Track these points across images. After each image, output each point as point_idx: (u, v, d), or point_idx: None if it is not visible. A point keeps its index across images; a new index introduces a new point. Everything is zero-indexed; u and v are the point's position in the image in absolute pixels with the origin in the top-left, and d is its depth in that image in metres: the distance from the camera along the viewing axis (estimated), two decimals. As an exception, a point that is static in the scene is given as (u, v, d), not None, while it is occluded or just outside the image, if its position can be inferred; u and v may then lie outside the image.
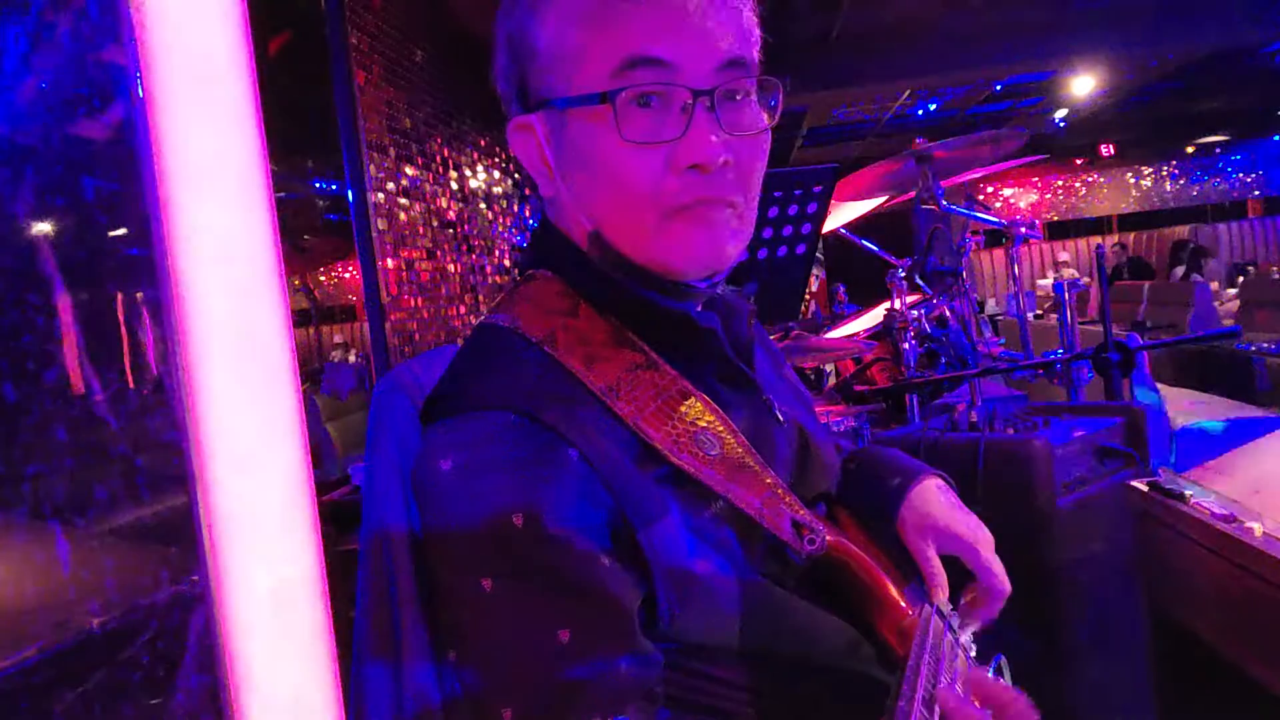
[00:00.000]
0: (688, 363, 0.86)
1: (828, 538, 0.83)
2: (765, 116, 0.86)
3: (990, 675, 0.88)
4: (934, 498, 0.98)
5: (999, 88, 9.48)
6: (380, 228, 2.97)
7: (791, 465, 0.93)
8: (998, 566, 0.97)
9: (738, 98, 0.84)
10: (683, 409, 0.82)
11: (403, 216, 3.21)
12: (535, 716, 0.73)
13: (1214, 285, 8.82)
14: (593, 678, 0.74)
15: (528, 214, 4.42)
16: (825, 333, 3.21)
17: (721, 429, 0.83)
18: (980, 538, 0.96)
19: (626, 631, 0.76)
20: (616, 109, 0.78)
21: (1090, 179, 14.58)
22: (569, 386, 0.81)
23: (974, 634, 0.96)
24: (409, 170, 3.30)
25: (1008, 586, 0.96)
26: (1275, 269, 10.24)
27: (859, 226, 3.29)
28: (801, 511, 0.84)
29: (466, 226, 3.89)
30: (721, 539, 0.81)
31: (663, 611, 0.78)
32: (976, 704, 0.70)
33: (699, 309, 0.90)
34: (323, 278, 13.65)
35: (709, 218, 0.82)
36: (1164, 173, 14.56)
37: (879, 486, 1.01)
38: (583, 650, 0.74)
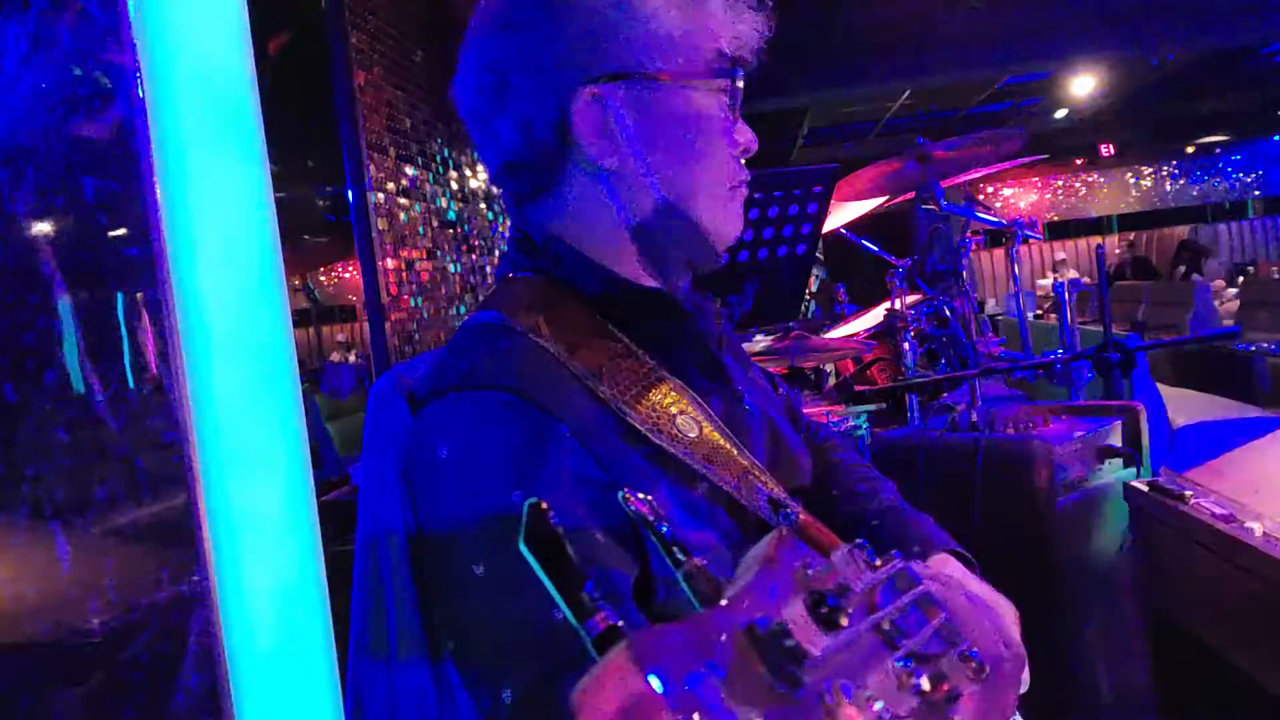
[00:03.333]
0: (665, 352, 0.90)
1: (801, 515, 0.84)
2: None
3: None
4: (953, 569, 0.96)
5: (999, 88, 9.49)
6: (380, 228, 2.97)
7: (765, 454, 0.95)
8: (1018, 641, 0.88)
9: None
10: (660, 394, 0.86)
11: (403, 216, 3.21)
12: (533, 695, 0.74)
13: (1215, 285, 8.82)
14: (587, 656, 0.74)
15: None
16: (825, 333, 3.21)
17: (697, 413, 0.87)
18: (1004, 609, 0.92)
19: (621, 609, 0.76)
20: (720, 93, 0.90)
21: (1090, 179, 14.57)
22: (554, 369, 0.83)
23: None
24: (409, 170, 3.30)
25: (1026, 674, 0.90)
26: (1275, 269, 10.24)
27: (859, 226, 3.29)
28: (776, 489, 0.88)
29: (466, 226, 3.89)
30: (714, 516, 0.84)
31: (659, 587, 0.78)
32: None
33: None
34: (323, 278, 13.65)
35: (742, 197, 0.96)
36: (1164, 173, 14.55)
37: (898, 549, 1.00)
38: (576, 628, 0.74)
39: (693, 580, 0.43)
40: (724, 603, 0.40)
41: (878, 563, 0.46)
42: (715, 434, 0.86)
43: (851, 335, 3.06)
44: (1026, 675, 0.87)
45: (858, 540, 0.45)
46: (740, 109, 0.93)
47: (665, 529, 0.46)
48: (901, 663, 0.41)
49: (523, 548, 0.42)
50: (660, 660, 0.34)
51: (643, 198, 0.91)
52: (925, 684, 0.41)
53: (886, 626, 0.45)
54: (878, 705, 0.37)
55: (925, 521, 1.03)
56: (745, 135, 0.93)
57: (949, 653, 0.46)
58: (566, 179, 0.91)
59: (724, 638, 0.37)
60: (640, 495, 0.48)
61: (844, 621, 0.40)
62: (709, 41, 0.89)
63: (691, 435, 0.84)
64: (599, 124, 0.89)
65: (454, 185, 3.78)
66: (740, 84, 0.91)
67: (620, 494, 0.48)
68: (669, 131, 0.89)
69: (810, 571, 0.43)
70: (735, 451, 0.87)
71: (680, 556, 0.44)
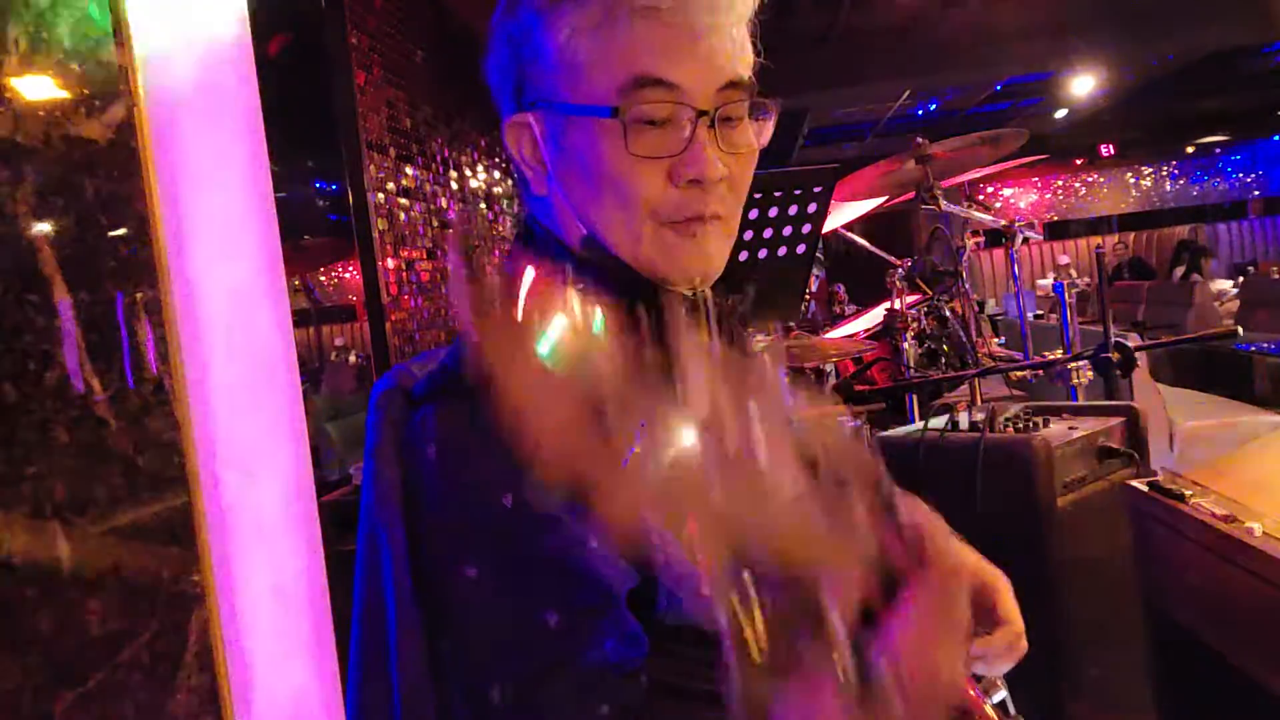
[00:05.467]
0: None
1: None
2: (754, 135, 0.90)
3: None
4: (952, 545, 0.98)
5: (999, 88, 9.49)
6: (380, 228, 2.97)
7: None
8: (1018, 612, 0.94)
9: (733, 118, 0.87)
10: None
11: (403, 216, 3.21)
12: (520, 698, 0.74)
13: (1215, 285, 8.82)
14: (578, 660, 0.74)
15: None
16: (825, 333, 3.21)
17: None
18: (1004, 581, 0.95)
19: (613, 615, 0.76)
20: (625, 125, 0.81)
21: (1090, 179, 14.57)
22: None
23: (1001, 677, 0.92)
24: (409, 170, 3.30)
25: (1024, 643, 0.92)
26: (1275, 269, 10.24)
27: (859, 226, 3.29)
28: None
29: (467, 226, 3.89)
30: None
31: (661, 595, 0.78)
32: None
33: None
34: (323, 278, 13.65)
35: (699, 232, 0.86)
36: (1164, 173, 14.56)
37: None
38: (569, 634, 0.74)
39: None
40: None
41: None
42: None
43: (851, 335, 3.06)
44: (1022, 645, 0.88)
45: None
46: (706, 129, 0.82)
47: None
48: None
49: None
50: None
51: (571, 228, 0.89)
52: None
53: None
54: None
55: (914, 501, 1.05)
56: (694, 166, 0.82)
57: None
58: (533, 193, 0.93)
59: None
60: None
61: None
62: (621, 69, 0.81)
63: None
64: (526, 151, 0.89)
65: (454, 185, 3.78)
66: (668, 107, 0.81)
67: None
68: (577, 165, 0.85)
69: None
70: None
71: None
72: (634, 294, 0.87)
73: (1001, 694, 0.85)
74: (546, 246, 0.92)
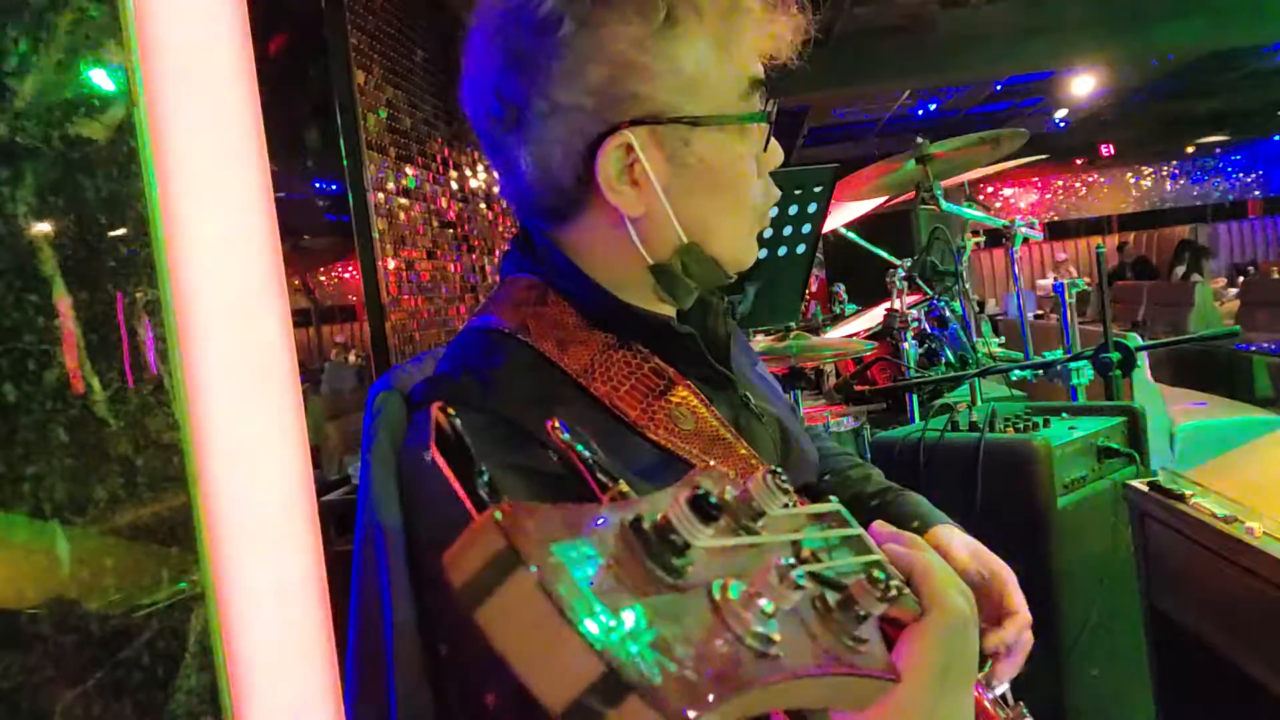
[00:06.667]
0: (666, 363, 0.89)
1: (800, 503, 0.84)
2: None
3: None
4: (954, 538, 0.97)
5: (999, 88, 9.49)
6: (380, 228, 2.97)
7: (774, 457, 0.95)
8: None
9: None
10: (655, 385, 0.85)
11: (403, 216, 3.21)
12: (518, 702, 0.74)
13: (1215, 285, 8.83)
14: None
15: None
16: (825, 333, 3.21)
17: (695, 402, 0.86)
18: (1009, 572, 0.94)
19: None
20: (758, 128, 0.85)
21: (1090, 179, 14.58)
22: (545, 374, 0.82)
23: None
24: (409, 170, 3.30)
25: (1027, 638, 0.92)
26: (1275, 269, 10.25)
27: (859, 226, 3.29)
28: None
29: (466, 226, 3.89)
30: None
31: None
32: None
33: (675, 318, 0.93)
34: (323, 278, 13.66)
35: (767, 219, 0.92)
36: (1164, 173, 14.57)
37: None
38: None
39: (617, 504, 0.44)
40: (616, 499, 0.42)
41: (787, 485, 0.46)
42: (714, 422, 0.86)
43: (851, 335, 3.06)
44: (1029, 638, 0.88)
45: (772, 467, 0.46)
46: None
47: (589, 455, 0.47)
48: (795, 570, 0.40)
49: (435, 452, 0.43)
50: (524, 527, 0.35)
51: (663, 241, 0.86)
52: (807, 581, 0.40)
53: (806, 554, 0.46)
54: (763, 601, 0.37)
55: (921, 500, 1.05)
56: (776, 156, 0.89)
57: (859, 575, 0.46)
58: (583, 215, 0.86)
59: (607, 526, 0.38)
60: (564, 423, 0.48)
61: (725, 519, 0.41)
62: (739, 74, 0.83)
63: (687, 427, 0.84)
64: (624, 171, 0.82)
65: (454, 185, 3.79)
66: (774, 107, 0.86)
67: (548, 423, 0.48)
68: (702, 176, 0.84)
69: (728, 497, 0.44)
70: (734, 440, 0.86)
71: (606, 480, 0.45)
72: (706, 285, 0.91)
73: (1002, 686, 0.85)
74: (544, 256, 0.90)
